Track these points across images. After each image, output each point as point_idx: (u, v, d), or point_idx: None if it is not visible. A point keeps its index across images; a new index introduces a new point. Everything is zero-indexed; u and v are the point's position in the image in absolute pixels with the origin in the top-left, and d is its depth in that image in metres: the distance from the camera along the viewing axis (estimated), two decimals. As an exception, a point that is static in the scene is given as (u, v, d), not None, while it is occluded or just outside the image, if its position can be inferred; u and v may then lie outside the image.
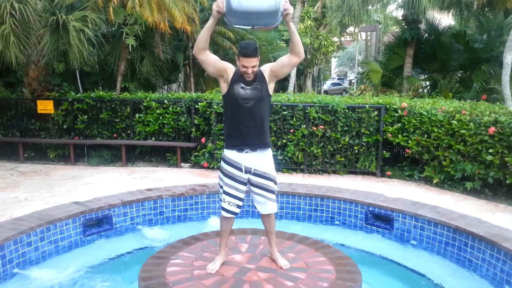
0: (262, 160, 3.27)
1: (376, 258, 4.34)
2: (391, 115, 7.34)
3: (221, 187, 3.32)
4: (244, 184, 3.29)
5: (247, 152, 3.20)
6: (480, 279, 3.89)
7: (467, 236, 4.13)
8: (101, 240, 4.70)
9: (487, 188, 6.22)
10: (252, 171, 3.25)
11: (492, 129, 5.99)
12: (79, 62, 8.11)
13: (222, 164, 3.29)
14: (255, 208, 3.44)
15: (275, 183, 3.36)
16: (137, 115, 8.39)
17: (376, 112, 7.37)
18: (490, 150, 6.04)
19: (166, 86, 13.82)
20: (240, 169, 3.22)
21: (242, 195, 3.30)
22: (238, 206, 3.31)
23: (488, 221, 4.48)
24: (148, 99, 8.36)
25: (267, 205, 3.34)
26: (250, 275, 3.23)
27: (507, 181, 5.95)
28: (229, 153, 3.24)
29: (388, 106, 7.38)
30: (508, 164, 6.04)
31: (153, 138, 8.41)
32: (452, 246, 4.28)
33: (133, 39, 8.55)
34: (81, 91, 9.49)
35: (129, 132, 8.52)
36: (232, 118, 3.22)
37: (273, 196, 3.35)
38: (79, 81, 9.77)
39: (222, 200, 3.30)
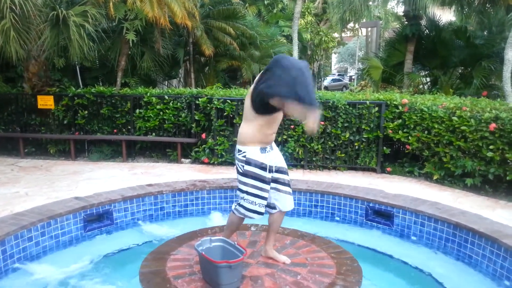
0: (276, 153, 3.30)
1: (376, 254, 4.34)
2: (391, 111, 7.33)
3: (245, 191, 3.17)
4: (269, 183, 3.22)
5: (268, 151, 3.19)
6: (480, 275, 3.90)
7: (468, 233, 4.14)
8: (101, 235, 4.71)
9: (487, 184, 6.22)
10: (274, 169, 3.24)
11: (492, 126, 5.98)
12: (80, 57, 8.08)
13: (247, 167, 3.13)
14: (274, 208, 3.33)
15: None
16: (137, 111, 8.38)
17: (376, 108, 7.36)
18: (491, 147, 6.03)
19: (166, 82, 13.81)
20: (265, 169, 3.15)
21: (267, 195, 3.22)
22: (264, 206, 3.23)
23: (489, 218, 4.48)
24: (148, 94, 8.35)
25: (290, 200, 3.35)
26: (251, 270, 3.24)
27: (508, 178, 5.95)
28: (252, 154, 3.11)
29: (388, 102, 7.37)
30: (508, 161, 6.04)
31: (154, 134, 8.41)
32: (452, 242, 4.29)
33: (133, 34, 8.54)
34: (81, 86, 9.47)
35: (129, 127, 8.51)
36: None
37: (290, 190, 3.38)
38: (79, 76, 9.74)
39: (252, 202, 3.15)
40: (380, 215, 4.95)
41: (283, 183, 3.30)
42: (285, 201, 3.30)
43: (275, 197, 3.29)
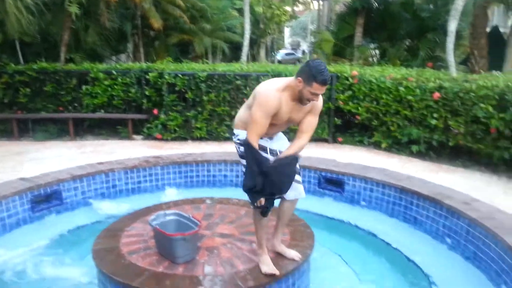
0: (280, 140, 2.99)
1: (328, 220, 4.51)
2: (342, 83, 7.48)
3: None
4: None
5: (266, 140, 2.85)
6: (424, 235, 4.15)
7: (413, 196, 4.36)
8: (51, 216, 4.56)
9: (431, 150, 6.55)
10: (278, 153, 2.85)
11: (436, 95, 6.26)
12: (18, 32, 7.60)
13: (243, 148, 2.77)
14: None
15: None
16: (84, 87, 8.04)
17: (328, 80, 7.47)
18: (435, 115, 6.33)
19: (114, 57, 13.30)
20: (265, 150, 2.78)
21: None
22: None
23: (432, 181, 4.74)
24: (95, 70, 8.02)
25: (299, 188, 2.96)
26: (207, 241, 3.25)
27: (450, 144, 6.29)
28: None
29: (339, 75, 7.51)
30: (451, 128, 6.37)
31: (102, 111, 8.11)
32: (398, 206, 4.51)
33: (76, 7, 8.12)
34: (22, 62, 8.94)
35: (76, 105, 8.17)
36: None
37: (300, 178, 3.02)
38: (19, 52, 9.17)
39: None
40: (331, 183, 5.10)
41: None
42: (292, 190, 2.89)
43: None
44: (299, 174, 2.96)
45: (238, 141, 2.84)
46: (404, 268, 3.59)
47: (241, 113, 2.87)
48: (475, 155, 6.18)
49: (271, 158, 2.78)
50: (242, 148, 2.79)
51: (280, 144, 2.93)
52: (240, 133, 2.83)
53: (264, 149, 2.77)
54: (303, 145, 2.83)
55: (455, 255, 3.78)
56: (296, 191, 2.94)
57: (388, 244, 3.98)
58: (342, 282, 3.32)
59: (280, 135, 3.01)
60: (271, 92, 2.61)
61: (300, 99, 2.64)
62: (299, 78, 2.55)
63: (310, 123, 2.86)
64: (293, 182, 2.85)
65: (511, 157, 5.62)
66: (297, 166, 2.92)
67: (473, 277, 3.43)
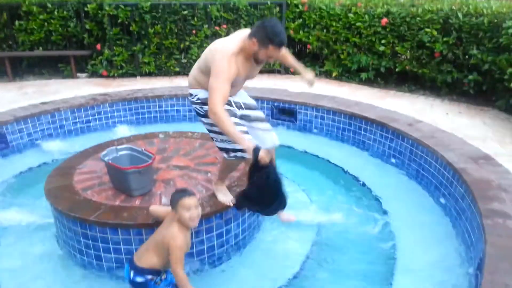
0: (244, 94, 2.93)
1: (281, 149, 4.60)
2: (292, 11, 7.35)
3: (219, 132, 2.66)
4: (239, 117, 2.77)
5: None
6: (372, 157, 4.40)
7: (361, 121, 4.53)
8: (-3, 160, 4.39)
9: (379, 77, 6.73)
10: (243, 106, 2.81)
11: (384, 20, 6.31)
12: None
13: (206, 107, 2.61)
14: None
15: None
16: (17, 23, 7.39)
17: (278, 9, 7.32)
18: (383, 41, 6.42)
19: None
20: (229, 104, 2.68)
21: (245, 128, 2.71)
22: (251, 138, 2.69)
23: (380, 106, 4.92)
24: (27, 3, 7.33)
25: (271, 136, 2.92)
26: (162, 173, 3.27)
27: (397, 70, 6.47)
28: (206, 94, 2.66)
29: (289, 2, 7.35)
30: (398, 54, 6.52)
31: (41, 48, 7.57)
32: (348, 131, 4.69)
33: None
34: None
35: (10, 42, 7.54)
36: None
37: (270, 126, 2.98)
38: None
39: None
40: (284, 113, 5.18)
41: (256, 120, 2.87)
42: (264, 138, 2.86)
43: (251, 135, 2.78)
44: (265, 122, 2.94)
45: (198, 101, 2.74)
46: (354, 188, 3.80)
47: (194, 73, 2.75)
48: (420, 79, 6.42)
49: (236, 110, 2.74)
50: (205, 107, 2.66)
51: (242, 98, 2.87)
52: (198, 93, 2.73)
53: (228, 103, 2.66)
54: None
55: (401, 174, 4.04)
56: (271, 140, 2.92)
57: (339, 167, 4.18)
58: (297, 205, 3.48)
59: (241, 91, 2.92)
60: (228, 59, 2.45)
61: (255, 59, 2.54)
62: (253, 39, 2.41)
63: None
64: (263, 131, 2.86)
65: (453, 81, 5.90)
66: (262, 114, 2.96)
67: (416, 193, 3.71)
